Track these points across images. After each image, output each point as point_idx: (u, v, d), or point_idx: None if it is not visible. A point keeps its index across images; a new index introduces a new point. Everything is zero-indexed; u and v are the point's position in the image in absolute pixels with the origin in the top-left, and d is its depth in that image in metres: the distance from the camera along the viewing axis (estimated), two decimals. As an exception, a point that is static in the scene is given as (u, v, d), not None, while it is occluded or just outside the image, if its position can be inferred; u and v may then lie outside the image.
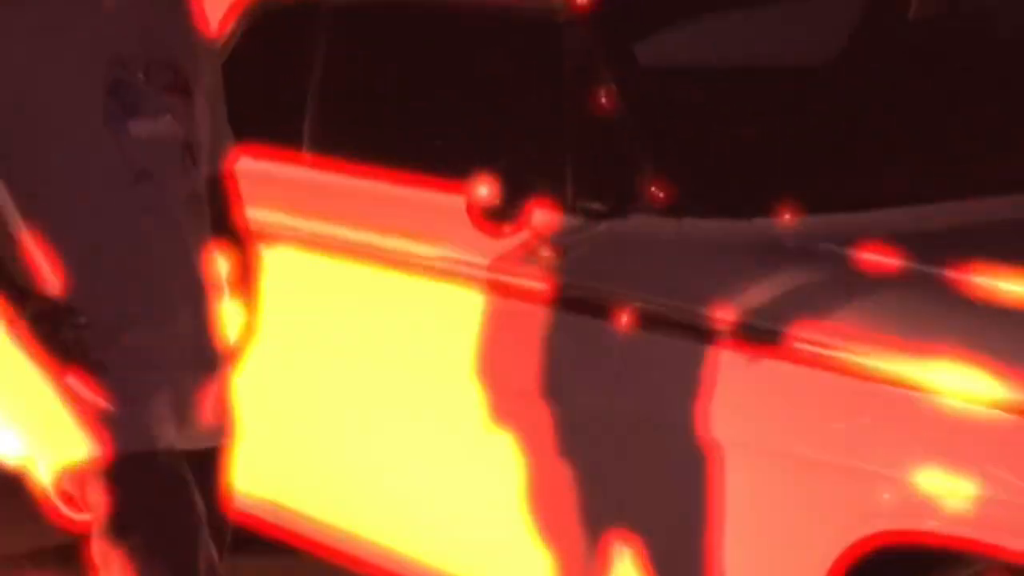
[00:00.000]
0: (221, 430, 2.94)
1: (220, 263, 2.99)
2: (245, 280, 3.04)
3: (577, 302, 3.17)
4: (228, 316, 3.02)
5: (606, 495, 3.16)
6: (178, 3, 2.90)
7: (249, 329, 3.07)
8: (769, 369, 2.77)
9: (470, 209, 3.13)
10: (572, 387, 3.18)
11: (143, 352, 2.76)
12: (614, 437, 3.09)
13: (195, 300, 2.81)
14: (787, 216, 2.96)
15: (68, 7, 2.73)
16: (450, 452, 3.63)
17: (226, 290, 3.01)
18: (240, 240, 3.04)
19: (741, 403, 2.86)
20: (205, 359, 2.85)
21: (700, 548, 2.95)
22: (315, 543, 4.04)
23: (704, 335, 2.92)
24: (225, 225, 3.00)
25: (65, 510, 4.54)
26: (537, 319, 3.28)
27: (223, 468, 2.99)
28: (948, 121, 3.56)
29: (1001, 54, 3.81)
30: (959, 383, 2.46)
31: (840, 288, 2.80)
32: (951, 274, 2.70)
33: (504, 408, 3.43)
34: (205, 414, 2.87)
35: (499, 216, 3.16)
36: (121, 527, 2.71)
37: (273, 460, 3.82)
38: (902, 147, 3.43)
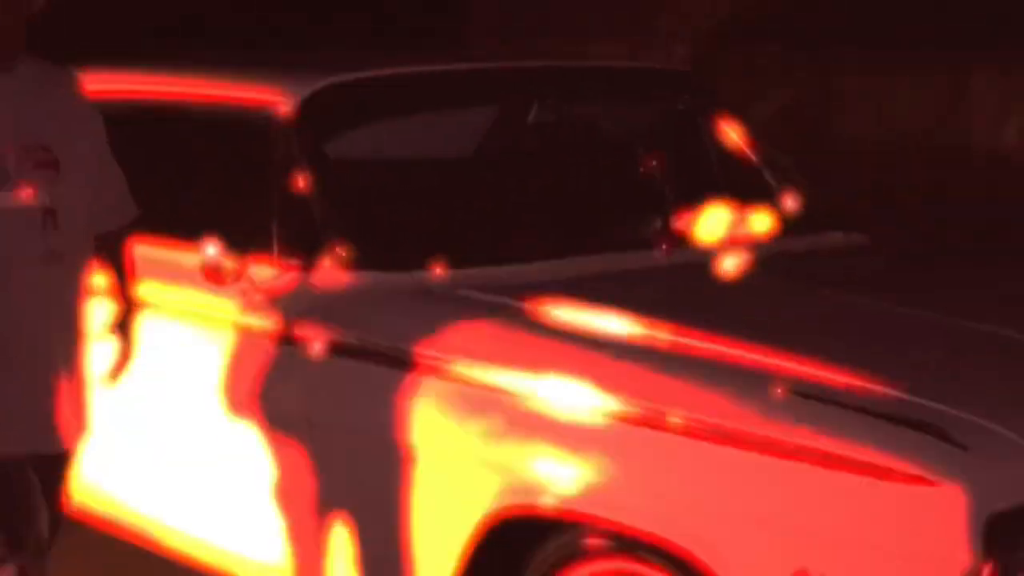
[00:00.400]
0: (63, 442, 3.17)
1: (95, 304, 3.27)
2: (121, 317, 3.35)
3: (282, 335, 3.66)
4: (95, 348, 3.29)
5: (315, 492, 3.57)
6: (52, 91, 3.15)
7: (123, 358, 3.38)
8: (415, 382, 3.32)
9: (201, 266, 3.59)
10: (278, 399, 3.64)
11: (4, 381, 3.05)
12: (314, 442, 3.54)
13: (45, 333, 3.11)
14: (438, 270, 3.55)
15: None
16: (203, 459, 3.98)
17: (104, 324, 3.34)
18: (122, 281, 3.35)
19: (388, 407, 3.37)
20: (52, 388, 3.11)
21: (380, 534, 3.44)
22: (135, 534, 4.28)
23: (362, 354, 3.47)
24: (114, 269, 3.32)
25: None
26: (256, 349, 3.76)
27: (63, 471, 3.25)
28: (560, 197, 4.24)
29: (594, 150, 4.46)
30: (558, 393, 3.01)
31: (465, 320, 3.41)
32: (541, 309, 3.35)
33: (223, 416, 3.84)
34: (52, 430, 3.13)
35: (222, 271, 3.61)
36: None
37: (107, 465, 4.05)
38: (524, 218, 4.08)
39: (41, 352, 3.09)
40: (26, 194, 2.97)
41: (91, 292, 3.23)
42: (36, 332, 3.06)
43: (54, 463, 3.19)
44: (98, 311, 3.37)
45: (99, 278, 3.37)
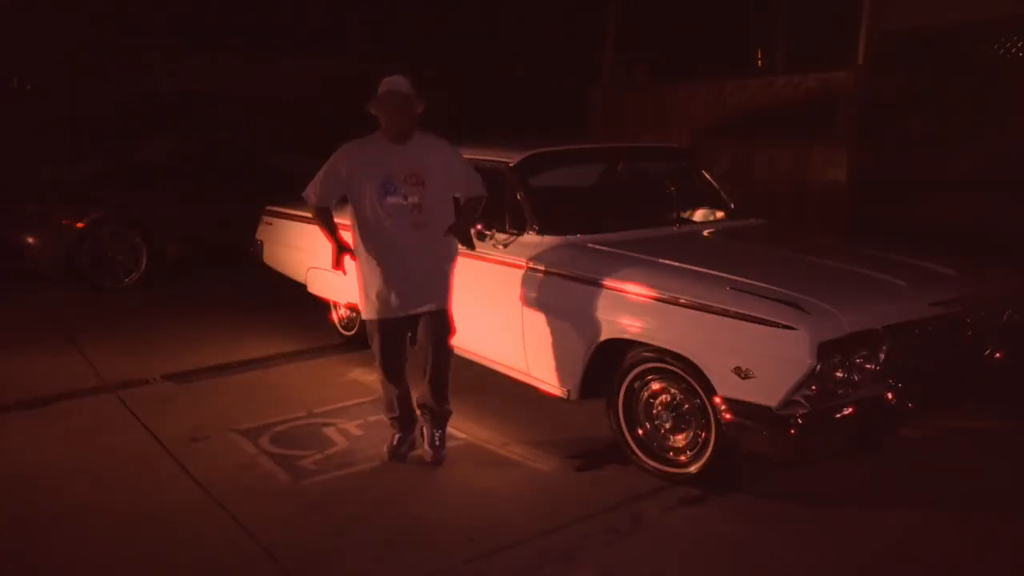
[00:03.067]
0: (435, 304, 3.28)
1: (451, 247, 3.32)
2: (455, 231, 3.28)
3: (508, 263, 3.73)
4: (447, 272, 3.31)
5: (528, 332, 3.55)
6: (425, 147, 3.24)
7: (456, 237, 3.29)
8: (570, 284, 3.41)
9: (476, 232, 3.58)
10: (510, 292, 3.62)
11: (390, 286, 3.24)
12: (525, 312, 3.54)
13: (418, 259, 3.24)
14: (579, 235, 3.67)
15: (374, 156, 3.21)
16: (482, 318, 3.81)
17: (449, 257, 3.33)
18: (468, 224, 3.33)
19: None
20: (423, 274, 3.25)
21: (557, 348, 3.44)
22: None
23: (547, 272, 3.50)
24: (466, 217, 3.33)
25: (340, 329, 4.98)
26: (498, 270, 3.74)
27: (441, 321, 3.32)
28: (631, 203, 4.21)
29: (646, 182, 4.33)
30: (627, 284, 3.19)
31: (590, 256, 3.51)
32: (620, 251, 3.48)
33: (490, 301, 3.79)
34: (426, 300, 3.26)
35: (485, 234, 3.70)
36: (373, 344, 3.38)
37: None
38: (615, 213, 4.05)
39: (415, 269, 3.28)
40: (405, 197, 3.20)
41: (447, 242, 3.29)
42: (412, 259, 3.26)
43: (437, 315, 3.31)
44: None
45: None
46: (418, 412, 3.49)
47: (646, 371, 3.23)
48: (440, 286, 3.33)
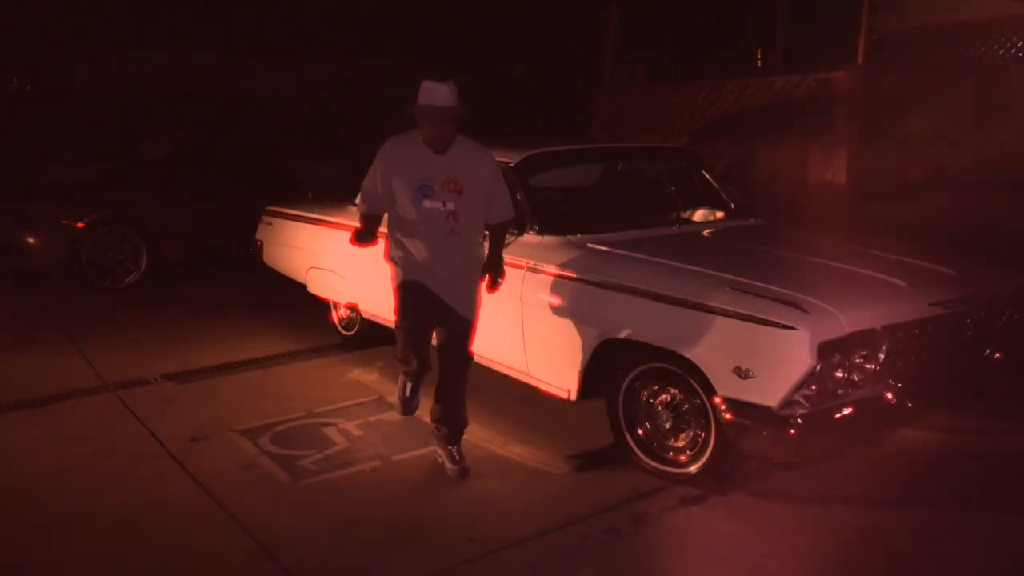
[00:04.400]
0: (460, 312, 3.17)
1: (479, 258, 3.20)
2: (494, 267, 3.18)
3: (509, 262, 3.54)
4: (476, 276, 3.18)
5: (528, 329, 3.51)
6: (464, 156, 3.09)
7: (498, 282, 3.16)
8: (567, 283, 3.40)
9: None
10: (513, 290, 3.50)
11: (421, 271, 3.17)
12: (524, 308, 3.50)
13: (449, 265, 3.15)
14: (578, 235, 3.63)
15: (413, 158, 3.08)
16: (491, 318, 3.33)
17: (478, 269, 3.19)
18: (497, 249, 3.21)
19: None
20: (453, 282, 3.15)
21: (557, 347, 3.41)
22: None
23: (546, 272, 3.46)
24: (495, 242, 3.22)
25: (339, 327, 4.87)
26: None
27: (459, 320, 3.19)
28: (631, 203, 4.32)
29: (646, 182, 4.41)
30: (628, 284, 3.16)
31: (588, 256, 3.47)
32: (619, 251, 3.45)
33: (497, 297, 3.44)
34: (449, 294, 3.15)
35: None
36: (397, 309, 3.25)
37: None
38: (615, 212, 4.10)
39: (446, 274, 3.18)
40: (443, 203, 3.10)
41: (479, 251, 3.22)
42: (442, 264, 3.17)
43: (457, 319, 3.18)
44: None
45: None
46: (433, 428, 3.40)
47: (646, 371, 3.22)
48: (467, 294, 3.23)
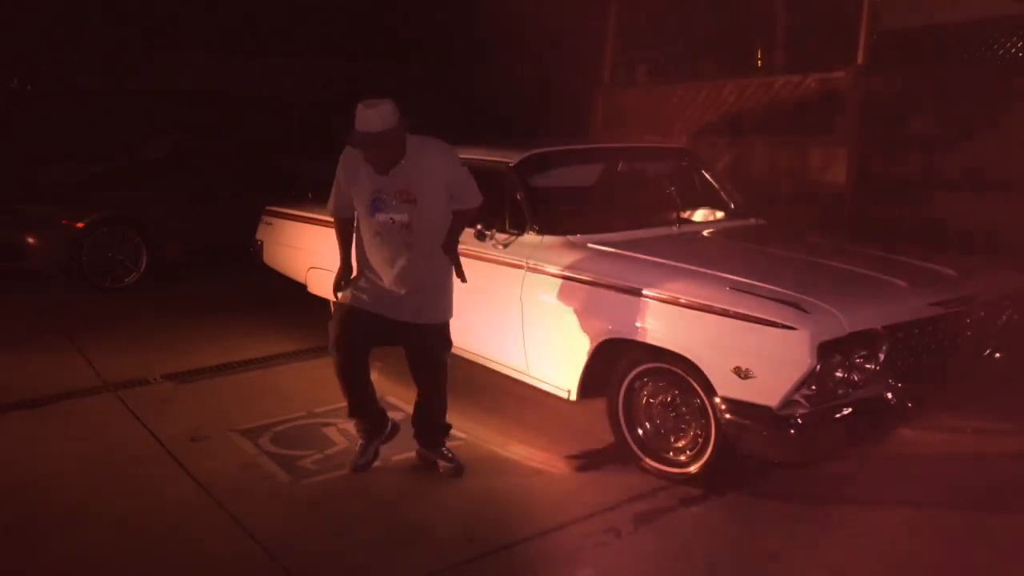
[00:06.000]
0: (422, 319, 3.09)
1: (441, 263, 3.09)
2: (454, 259, 3.14)
3: (509, 263, 3.66)
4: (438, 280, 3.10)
5: (526, 328, 3.54)
6: (418, 161, 2.96)
7: (459, 276, 3.15)
8: (566, 284, 3.40)
9: (475, 233, 3.64)
10: (510, 290, 3.58)
11: (375, 287, 3.12)
12: (524, 308, 3.50)
13: (411, 279, 3.07)
14: (578, 234, 3.62)
15: (369, 170, 2.98)
16: (482, 316, 3.72)
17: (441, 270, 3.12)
18: (453, 239, 3.12)
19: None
20: (403, 294, 3.07)
21: (557, 346, 3.40)
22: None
23: (545, 272, 3.46)
24: (447, 245, 3.11)
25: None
26: (498, 269, 3.71)
27: (433, 336, 3.14)
28: (631, 203, 4.21)
29: (647, 181, 4.43)
30: (626, 284, 3.15)
31: (588, 256, 3.46)
32: (619, 251, 3.45)
33: (489, 298, 3.69)
34: (401, 311, 3.09)
35: (485, 234, 3.64)
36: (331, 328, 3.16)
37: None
38: (615, 212, 4.04)
39: (402, 285, 3.10)
40: (396, 215, 3.02)
41: (440, 260, 3.11)
42: (404, 275, 3.08)
43: (423, 330, 3.14)
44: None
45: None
46: (415, 439, 3.39)
47: (646, 371, 3.21)
48: (432, 301, 3.15)
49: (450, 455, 3.32)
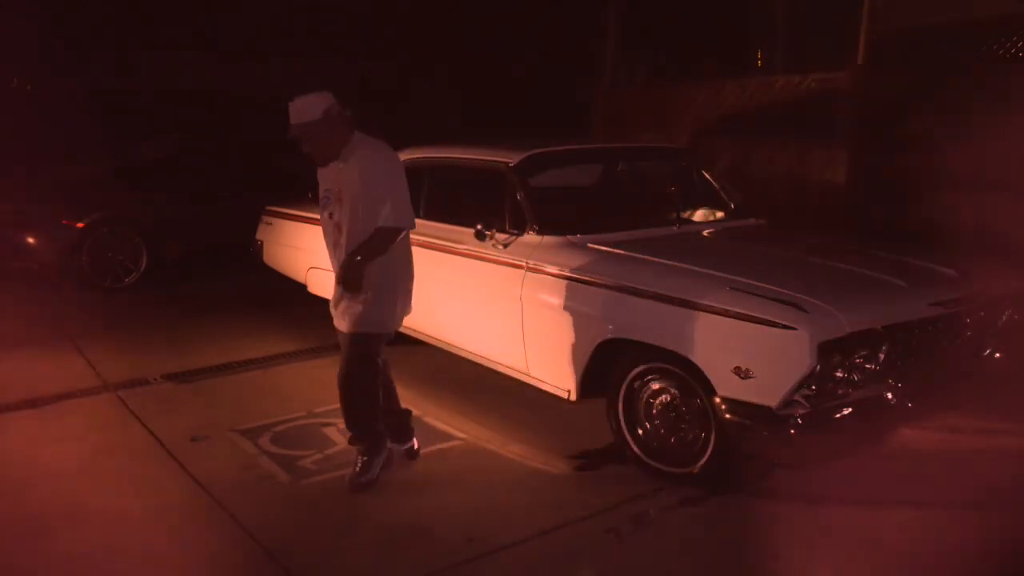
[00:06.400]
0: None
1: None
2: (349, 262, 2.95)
3: (508, 263, 3.65)
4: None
5: (523, 328, 3.54)
6: (352, 160, 2.92)
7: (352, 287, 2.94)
8: (566, 284, 3.36)
9: (474, 232, 3.68)
10: (508, 289, 3.61)
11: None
12: (524, 308, 3.52)
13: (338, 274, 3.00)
14: (578, 235, 3.63)
15: (329, 168, 2.98)
16: (475, 316, 3.85)
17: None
18: (366, 251, 2.92)
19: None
20: (340, 304, 3.00)
21: (555, 345, 3.40)
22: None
23: (544, 272, 3.48)
24: (368, 246, 2.93)
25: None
26: (497, 269, 3.73)
27: (342, 339, 3.08)
28: (631, 203, 4.28)
29: (647, 181, 4.38)
30: (627, 284, 3.17)
31: (588, 256, 3.43)
32: (619, 251, 3.42)
33: (485, 299, 3.79)
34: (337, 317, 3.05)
35: (484, 234, 3.67)
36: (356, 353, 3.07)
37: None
38: (615, 212, 4.07)
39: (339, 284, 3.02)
40: (332, 213, 3.02)
41: (371, 267, 2.95)
42: (338, 275, 3.01)
43: (341, 336, 3.08)
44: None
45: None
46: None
47: (646, 371, 3.21)
48: (350, 308, 3.02)
49: (357, 467, 3.16)
